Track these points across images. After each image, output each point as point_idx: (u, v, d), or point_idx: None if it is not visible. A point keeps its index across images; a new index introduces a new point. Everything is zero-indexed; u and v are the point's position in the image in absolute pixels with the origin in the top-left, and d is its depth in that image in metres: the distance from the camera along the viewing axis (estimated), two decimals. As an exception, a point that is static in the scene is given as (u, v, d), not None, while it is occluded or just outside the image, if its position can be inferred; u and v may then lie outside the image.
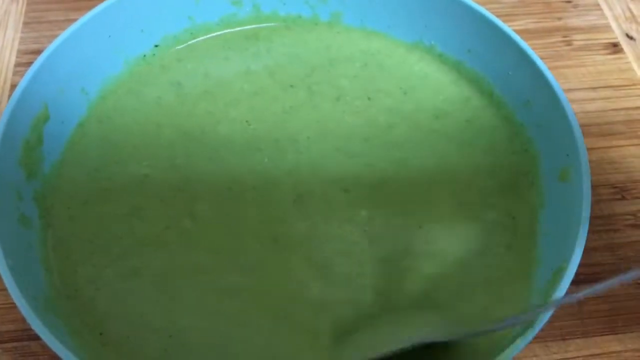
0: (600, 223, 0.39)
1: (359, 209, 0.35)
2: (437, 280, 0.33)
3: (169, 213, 0.34)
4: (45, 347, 0.33)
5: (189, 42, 0.41)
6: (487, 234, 0.34)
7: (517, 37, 0.36)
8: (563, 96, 0.34)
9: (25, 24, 0.46)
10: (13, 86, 0.43)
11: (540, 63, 0.35)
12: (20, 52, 0.45)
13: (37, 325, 0.26)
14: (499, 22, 0.37)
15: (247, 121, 0.38)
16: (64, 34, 0.35)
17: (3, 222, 0.29)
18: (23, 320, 0.33)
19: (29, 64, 0.35)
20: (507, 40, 0.37)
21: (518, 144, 0.38)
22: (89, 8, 0.38)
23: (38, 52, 0.35)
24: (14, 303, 0.34)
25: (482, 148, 0.38)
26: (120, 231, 0.34)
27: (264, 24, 0.42)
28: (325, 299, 0.32)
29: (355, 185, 0.36)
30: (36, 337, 0.33)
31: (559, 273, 0.29)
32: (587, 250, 0.36)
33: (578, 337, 0.35)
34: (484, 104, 0.39)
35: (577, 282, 0.36)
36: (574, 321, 0.35)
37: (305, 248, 0.33)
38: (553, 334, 0.35)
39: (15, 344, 0.33)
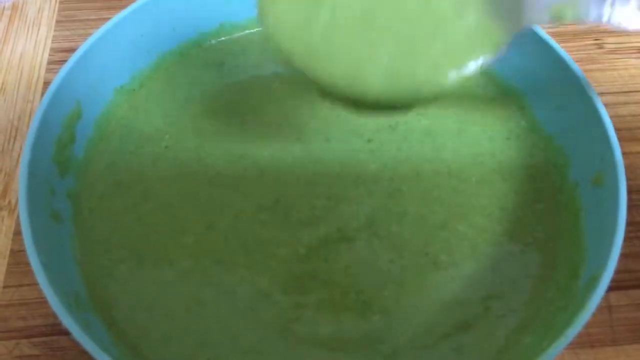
0: (632, 229, 0.38)
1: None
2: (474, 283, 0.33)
3: (202, 212, 0.35)
4: (74, 342, 0.34)
5: (220, 39, 0.42)
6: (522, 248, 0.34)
7: (550, 40, 0.36)
8: (597, 98, 0.34)
9: (59, 22, 0.47)
10: (46, 83, 0.43)
11: (574, 66, 0.35)
12: (53, 50, 0.46)
13: (68, 322, 0.26)
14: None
15: (279, 124, 0.38)
16: (97, 33, 0.36)
17: (36, 218, 0.29)
18: (53, 315, 0.34)
19: (62, 61, 0.35)
20: (539, 43, 0.36)
21: (543, 154, 0.37)
22: (121, 7, 0.38)
23: (71, 50, 0.36)
24: (44, 298, 0.35)
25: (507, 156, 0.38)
26: (148, 227, 0.34)
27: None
28: None
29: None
30: (65, 332, 0.34)
31: (593, 281, 0.28)
32: (620, 258, 0.36)
33: (608, 345, 0.34)
34: (511, 109, 0.39)
35: (609, 289, 0.35)
36: (604, 329, 0.35)
37: None
38: (582, 341, 0.34)
39: (44, 338, 0.34)
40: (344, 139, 0.37)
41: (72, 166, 0.35)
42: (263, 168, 0.36)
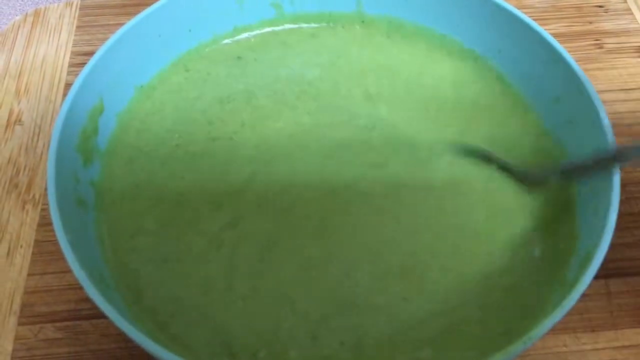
0: (631, 220, 0.39)
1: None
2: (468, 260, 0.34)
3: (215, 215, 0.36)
4: (95, 326, 0.36)
5: (234, 39, 0.44)
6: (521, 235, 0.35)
7: (548, 36, 0.38)
8: (591, 87, 0.35)
9: (79, 27, 0.49)
10: (68, 85, 0.45)
11: (570, 59, 0.37)
12: (74, 54, 0.48)
13: (93, 294, 0.27)
14: (530, 21, 0.38)
15: (296, 122, 0.40)
16: (118, 33, 0.37)
17: (62, 203, 0.31)
18: (75, 301, 0.36)
19: (83, 64, 0.37)
20: (538, 39, 0.38)
21: (543, 147, 0.39)
22: (137, 13, 0.40)
23: (91, 53, 0.38)
24: (67, 285, 0.37)
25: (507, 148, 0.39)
26: (165, 216, 0.36)
27: (304, 25, 0.45)
28: None
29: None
30: (87, 317, 0.36)
31: (587, 258, 0.29)
32: (618, 246, 0.38)
33: (608, 329, 0.35)
34: (508, 104, 0.41)
35: (608, 276, 0.37)
36: (604, 314, 0.36)
37: None
38: (583, 325, 0.35)
39: (67, 323, 0.35)
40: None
41: (94, 157, 0.36)
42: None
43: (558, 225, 0.35)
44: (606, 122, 0.34)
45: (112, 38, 0.37)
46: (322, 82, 0.42)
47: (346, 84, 0.42)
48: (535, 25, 0.38)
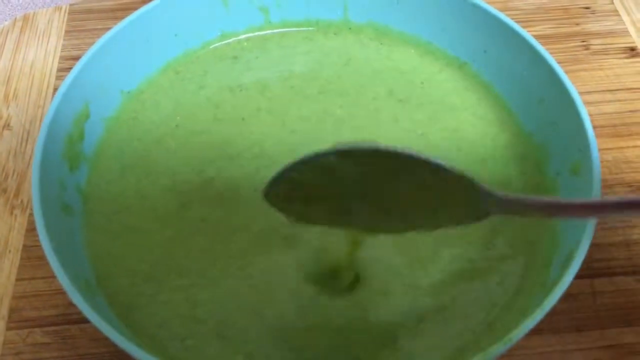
0: (617, 219, 0.39)
1: None
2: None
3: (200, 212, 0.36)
4: (83, 331, 0.36)
5: (223, 43, 0.44)
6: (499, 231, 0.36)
7: (530, 38, 0.38)
8: (574, 90, 0.35)
9: (67, 32, 0.50)
10: (56, 89, 0.45)
11: (552, 61, 0.37)
12: (63, 58, 0.48)
13: (78, 301, 0.27)
14: (513, 23, 0.39)
15: (326, 112, 0.40)
16: (104, 38, 0.38)
17: (48, 210, 0.31)
18: (64, 305, 0.36)
19: (71, 69, 0.37)
20: (520, 41, 0.38)
21: (526, 149, 0.39)
22: (125, 17, 0.40)
23: (79, 58, 0.38)
24: (55, 290, 0.37)
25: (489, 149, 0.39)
26: (152, 226, 0.36)
27: (292, 29, 0.45)
28: None
29: None
30: (75, 322, 0.36)
31: (569, 258, 0.30)
32: (603, 246, 0.38)
33: (593, 329, 0.36)
34: (493, 110, 0.41)
35: (593, 275, 0.37)
36: (589, 313, 0.36)
37: None
38: (568, 325, 0.35)
39: (56, 327, 0.35)
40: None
41: (81, 162, 0.37)
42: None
43: (540, 224, 0.35)
44: (587, 123, 0.34)
45: (97, 43, 0.37)
46: (341, 80, 0.42)
47: (367, 84, 0.42)
48: (516, 27, 0.39)
